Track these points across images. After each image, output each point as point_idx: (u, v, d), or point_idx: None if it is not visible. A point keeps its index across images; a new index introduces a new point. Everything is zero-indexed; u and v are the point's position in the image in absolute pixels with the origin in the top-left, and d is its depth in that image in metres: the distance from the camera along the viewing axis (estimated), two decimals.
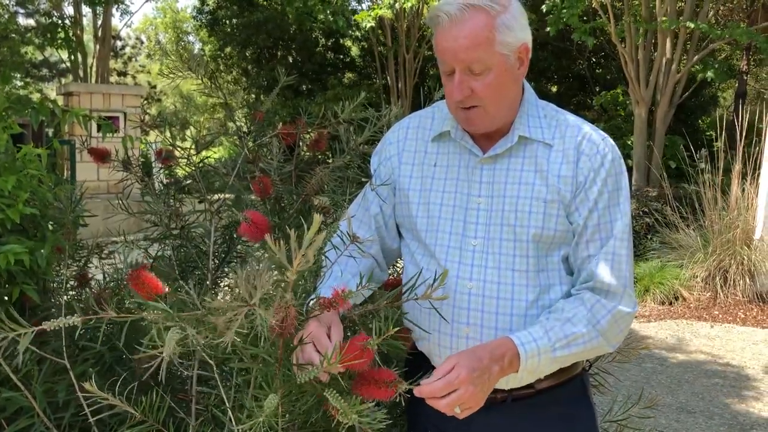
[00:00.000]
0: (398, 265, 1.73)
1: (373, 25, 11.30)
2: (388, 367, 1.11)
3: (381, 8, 10.77)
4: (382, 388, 1.04)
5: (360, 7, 15.18)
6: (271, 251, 0.88)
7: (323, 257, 1.32)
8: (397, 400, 1.07)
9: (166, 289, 1.10)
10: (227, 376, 1.31)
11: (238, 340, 1.02)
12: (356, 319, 1.22)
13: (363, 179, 1.56)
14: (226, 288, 1.69)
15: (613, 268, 1.31)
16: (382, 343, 1.07)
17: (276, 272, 0.93)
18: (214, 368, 1.17)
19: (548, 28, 8.97)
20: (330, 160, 1.65)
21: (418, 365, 1.41)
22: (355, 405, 0.97)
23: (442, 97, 1.65)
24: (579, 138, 1.36)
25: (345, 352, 0.99)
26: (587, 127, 1.39)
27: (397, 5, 10.51)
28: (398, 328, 1.06)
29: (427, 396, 1.15)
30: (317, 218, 0.89)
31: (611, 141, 1.39)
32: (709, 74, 9.17)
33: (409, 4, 10.06)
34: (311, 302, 1.15)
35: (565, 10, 8.42)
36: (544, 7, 8.75)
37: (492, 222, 1.35)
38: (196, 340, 0.96)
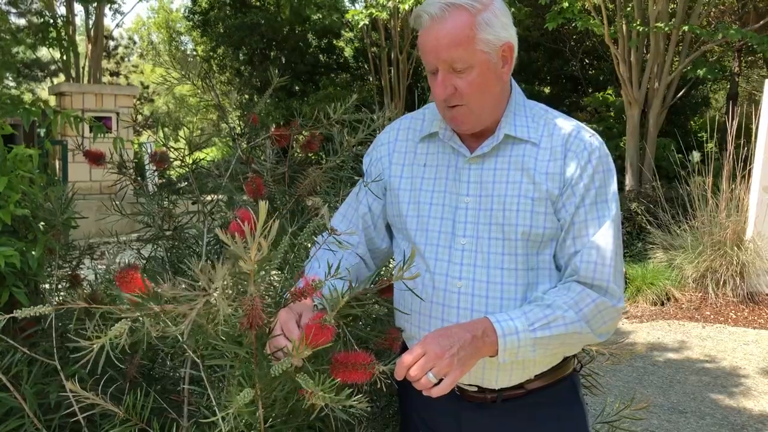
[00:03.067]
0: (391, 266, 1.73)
1: (366, 23, 11.24)
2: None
3: (375, 7, 10.71)
4: (359, 371, 1.04)
5: (353, 7, 15.18)
6: (227, 243, 0.88)
7: (306, 254, 1.32)
8: (379, 386, 1.07)
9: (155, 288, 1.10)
10: (218, 376, 1.31)
11: (195, 335, 1.03)
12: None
13: (356, 179, 1.57)
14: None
15: (598, 263, 1.31)
16: (369, 339, 1.07)
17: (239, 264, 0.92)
18: (201, 367, 1.17)
19: (547, 24, 8.98)
20: (323, 161, 1.65)
21: None
22: (325, 385, 0.97)
23: None
24: (566, 135, 1.36)
25: (305, 334, 1.00)
26: (575, 125, 1.39)
27: (390, 4, 10.44)
28: (361, 299, 1.06)
29: (400, 371, 1.15)
30: (263, 206, 0.89)
31: (599, 138, 1.39)
32: (700, 72, 9.23)
33: (407, 5, 10.01)
34: (287, 295, 1.16)
35: (567, 3, 8.42)
36: (542, 0, 8.75)
37: (480, 221, 1.36)
38: (148, 330, 0.96)
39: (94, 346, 0.96)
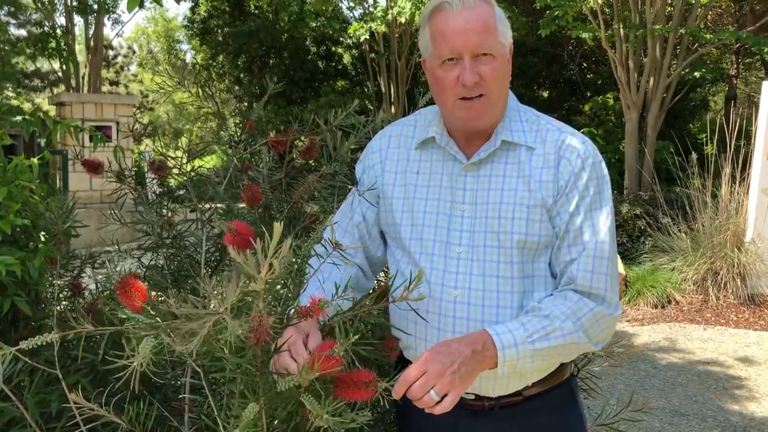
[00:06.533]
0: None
1: (367, 37, 11.38)
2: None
3: (374, 20, 10.84)
4: (361, 390, 1.05)
5: (352, 15, 15.24)
6: (238, 262, 0.89)
7: (307, 265, 1.33)
8: (381, 402, 1.08)
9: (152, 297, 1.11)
10: (220, 385, 1.31)
11: (202, 349, 1.04)
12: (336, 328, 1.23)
13: (350, 186, 1.57)
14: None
15: (595, 272, 1.31)
16: (366, 350, 1.08)
17: (247, 281, 0.93)
18: (202, 376, 1.18)
19: (540, 31, 9.00)
20: (322, 168, 1.66)
21: None
22: (329, 406, 0.98)
23: (426, 104, 1.66)
24: (559, 142, 1.36)
25: (312, 360, 1.01)
26: (567, 132, 1.39)
27: (389, 16, 10.57)
28: (354, 331, 1.07)
29: (401, 388, 1.15)
30: (277, 227, 0.90)
31: (592, 144, 1.39)
32: (698, 73, 9.26)
33: (403, 19, 10.08)
34: (291, 311, 1.16)
35: (558, 10, 8.44)
36: (537, 4, 8.77)
37: (476, 229, 1.35)
38: (171, 348, 0.97)
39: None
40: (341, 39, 16.09)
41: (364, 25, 11.06)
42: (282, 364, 1.09)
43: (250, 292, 0.93)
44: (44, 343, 1.48)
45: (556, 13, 8.52)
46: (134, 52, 25.27)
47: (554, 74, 15.02)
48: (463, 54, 1.29)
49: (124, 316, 1.10)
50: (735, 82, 13.39)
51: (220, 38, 16.33)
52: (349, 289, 1.21)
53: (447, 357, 1.17)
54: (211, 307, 0.93)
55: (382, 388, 1.05)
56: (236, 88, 17.57)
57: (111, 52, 21.46)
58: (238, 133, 1.80)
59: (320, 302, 1.06)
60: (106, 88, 20.05)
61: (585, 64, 15.25)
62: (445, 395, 1.16)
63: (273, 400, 1.05)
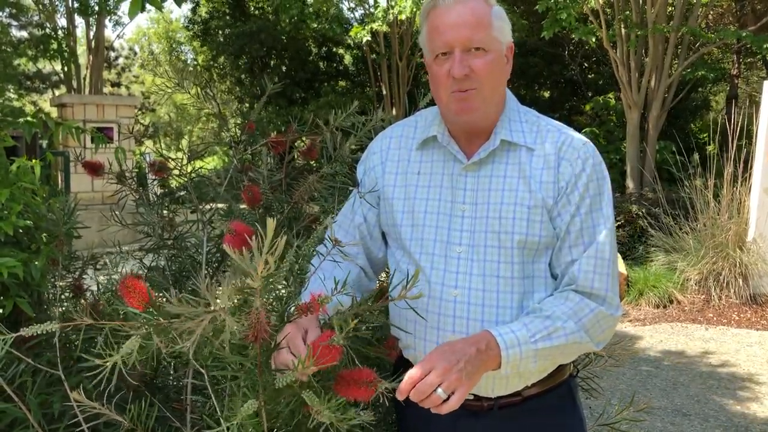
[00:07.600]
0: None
1: (369, 38, 11.42)
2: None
3: (375, 21, 10.88)
4: (362, 388, 1.05)
5: (352, 16, 15.26)
6: (235, 259, 0.89)
7: (309, 265, 1.33)
8: (381, 401, 1.08)
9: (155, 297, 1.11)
10: (221, 384, 1.31)
11: (203, 351, 1.03)
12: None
13: (350, 187, 1.57)
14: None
15: (596, 273, 1.31)
16: (367, 349, 1.08)
17: (245, 278, 0.93)
18: (206, 376, 1.18)
19: (543, 33, 8.98)
20: (322, 168, 1.66)
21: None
22: (331, 403, 0.98)
23: (427, 105, 1.66)
24: (559, 143, 1.36)
25: (312, 352, 1.01)
26: (567, 132, 1.39)
27: (390, 16, 10.59)
28: (360, 326, 1.07)
29: (406, 386, 1.14)
30: (270, 223, 0.90)
31: (592, 146, 1.39)
32: (699, 72, 9.25)
33: (404, 16, 10.10)
34: (292, 308, 1.17)
35: (561, 10, 8.43)
36: (538, 7, 8.76)
37: (476, 229, 1.35)
38: (169, 347, 0.97)
39: (107, 364, 0.96)
40: (342, 39, 16.10)
41: (366, 27, 11.09)
42: (281, 361, 1.09)
43: (248, 288, 0.93)
44: (46, 339, 1.49)
45: (561, 15, 8.51)
46: (135, 53, 25.33)
47: (555, 74, 15.02)
48: (454, 47, 1.30)
49: (124, 312, 1.11)
50: (736, 81, 13.39)
51: (221, 39, 16.34)
52: (349, 287, 1.21)
53: (452, 355, 1.18)
54: (212, 306, 0.93)
55: (382, 387, 1.06)
56: (237, 89, 17.58)
57: (112, 54, 21.52)
58: (239, 134, 1.81)
59: (320, 298, 1.07)
60: (107, 89, 20.09)
61: (586, 64, 15.24)
62: (452, 394, 1.16)
63: (273, 397, 1.05)
